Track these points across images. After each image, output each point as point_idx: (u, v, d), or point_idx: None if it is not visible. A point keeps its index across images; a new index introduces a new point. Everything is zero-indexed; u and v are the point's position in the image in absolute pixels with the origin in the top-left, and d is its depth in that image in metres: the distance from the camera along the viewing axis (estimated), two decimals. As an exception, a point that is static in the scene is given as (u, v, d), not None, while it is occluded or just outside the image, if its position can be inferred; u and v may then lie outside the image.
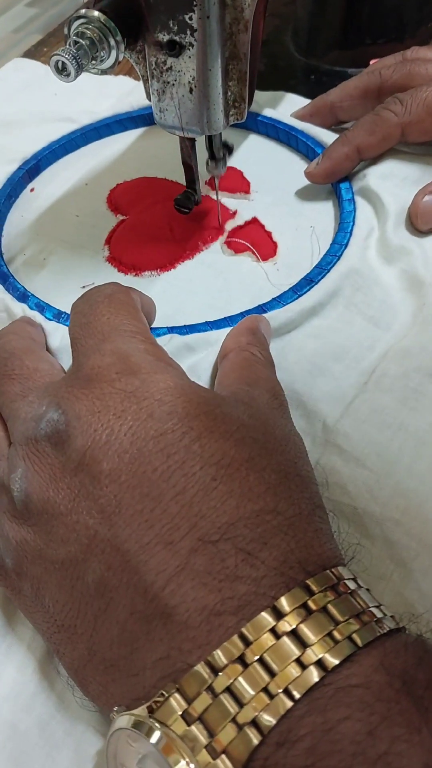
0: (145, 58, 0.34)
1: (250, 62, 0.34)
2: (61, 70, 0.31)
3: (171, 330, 0.36)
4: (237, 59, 0.33)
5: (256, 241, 0.42)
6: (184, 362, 0.34)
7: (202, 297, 0.40)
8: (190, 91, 0.33)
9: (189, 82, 0.33)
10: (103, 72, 0.33)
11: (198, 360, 0.35)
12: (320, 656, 0.20)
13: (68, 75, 0.31)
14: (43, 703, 0.25)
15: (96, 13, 0.31)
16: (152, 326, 0.37)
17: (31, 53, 0.61)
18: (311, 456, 0.28)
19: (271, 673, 0.20)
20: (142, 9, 0.32)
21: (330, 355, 0.35)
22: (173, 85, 0.33)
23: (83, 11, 0.31)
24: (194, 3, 0.30)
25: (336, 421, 0.32)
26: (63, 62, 0.30)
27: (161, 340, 0.34)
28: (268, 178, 0.47)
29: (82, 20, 0.31)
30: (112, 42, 0.32)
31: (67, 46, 0.31)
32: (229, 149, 0.41)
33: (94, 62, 0.32)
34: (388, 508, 0.29)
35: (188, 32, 0.31)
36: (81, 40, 0.31)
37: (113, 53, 0.32)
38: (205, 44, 0.32)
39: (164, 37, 0.32)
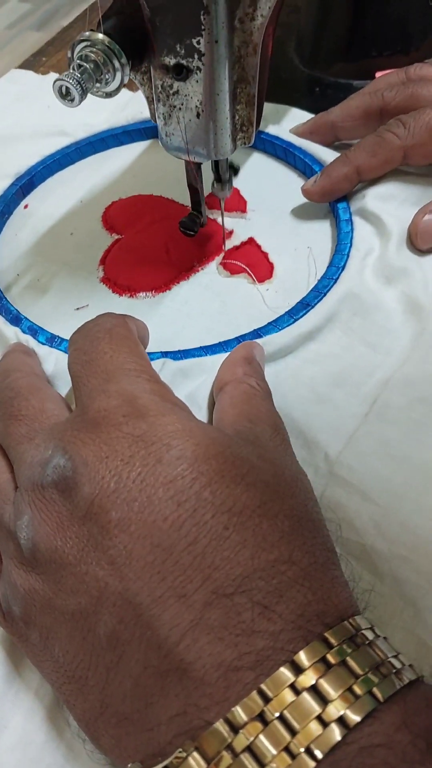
0: (151, 80, 0.33)
1: (258, 84, 0.33)
2: (65, 95, 0.30)
3: (165, 354, 0.35)
4: (245, 82, 0.33)
5: (253, 262, 0.42)
6: (180, 389, 0.34)
7: (200, 320, 0.39)
8: (197, 115, 0.32)
9: (196, 106, 0.32)
10: (108, 95, 0.32)
11: (195, 388, 0.34)
12: (342, 713, 0.19)
13: (72, 100, 0.30)
14: (53, 754, 0.25)
15: (100, 36, 0.30)
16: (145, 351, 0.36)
17: (30, 63, 0.60)
18: (315, 489, 0.28)
19: (292, 731, 0.19)
20: (148, 32, 0.31)
21: (329, 381, 0.35)
22: (180, 109, 0.32)
23: (87, 34, 0.30)
24: (202, 27, 0.30)
25: (339, 453, 0.32)
26: (67, 87, 0.29)
27: (153, 365, 0.34)
28: (265, 196, 0.46)
29: (85, 43, 0.30)
30: (117, 65, 0.31)
31: (71, 71, 0.30)
32: (234, 170, 0.40)
33: (98, 85, 0.31)
34: (396, 545, 0.29)
35: (196, 56, 0.30)
36: (85, 64, 0.30)
37: (118, 76, 0.31)
38: (212, 68, 0.31)
39: (171, 61, 0.31)
